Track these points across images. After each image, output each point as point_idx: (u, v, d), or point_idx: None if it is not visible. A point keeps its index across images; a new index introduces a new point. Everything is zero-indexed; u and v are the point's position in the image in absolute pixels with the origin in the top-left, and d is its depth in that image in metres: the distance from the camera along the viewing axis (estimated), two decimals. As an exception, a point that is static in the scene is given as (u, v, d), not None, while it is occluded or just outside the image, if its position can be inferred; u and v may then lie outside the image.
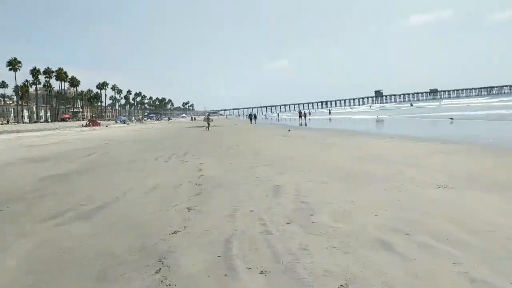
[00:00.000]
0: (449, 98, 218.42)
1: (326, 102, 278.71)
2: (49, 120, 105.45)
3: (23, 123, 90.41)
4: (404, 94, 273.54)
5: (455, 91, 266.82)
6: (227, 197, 6.57)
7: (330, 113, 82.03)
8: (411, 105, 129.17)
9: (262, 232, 4.56)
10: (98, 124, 73.00)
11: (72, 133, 40.83)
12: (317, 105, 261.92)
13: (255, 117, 61.42)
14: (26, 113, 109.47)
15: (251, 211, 5.57)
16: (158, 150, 16.44)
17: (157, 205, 6.21)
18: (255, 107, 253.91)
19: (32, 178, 9.69)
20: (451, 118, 31.32)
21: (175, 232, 4.72)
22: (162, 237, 4.57)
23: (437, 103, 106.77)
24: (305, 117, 57.29)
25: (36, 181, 9.16)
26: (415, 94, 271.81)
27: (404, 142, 15.69)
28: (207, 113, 63.80)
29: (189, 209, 5.84)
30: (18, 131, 47.42)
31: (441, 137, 17.69)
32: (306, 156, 12.04)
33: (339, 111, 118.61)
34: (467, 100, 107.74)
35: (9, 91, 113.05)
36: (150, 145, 20.57)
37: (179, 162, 12.06)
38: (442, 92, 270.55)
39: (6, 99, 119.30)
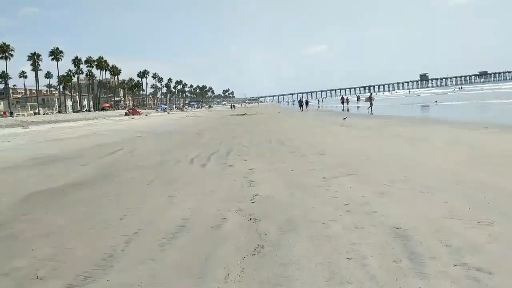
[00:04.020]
0: (499, 81, 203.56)
1: (368, 86, 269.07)
2: (92, 109, 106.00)
3: (65, 112, 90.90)
4: (451, 78, 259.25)
5: (507, 73, 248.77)
6: (316, 267, 3.31)
7: (358, 99, 74.50)
8: (460, 88, 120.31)
9: None
10: (138, 113, 71.65)
11: (108, 123, 38.93)
12: (359, 90, 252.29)
13: (307, 103, 52.92)
14: (69, 103, 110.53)
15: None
16: (195, 146, 13.43)
17: (178, 289, 3.06)
18: (295, 93, 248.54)
19: (13, 196, 6.80)
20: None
21: None
22: None
23: (490, 87, 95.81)
24: (347, 102, 53.19)
25: (12, 204, 6.26)
26: (463, 77, 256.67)
27: (508, 133, 11.89)
28: (370, 93, 57.63)
29: (246, 315, 2.64)
30: (56, 121, 46.11)
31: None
32: (397, 158, 8.52)
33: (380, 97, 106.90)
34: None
35: (54, 80, 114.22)
36: (187, 138, 17.67)
37: (221, 166, 8.92)
38: (493, 75, 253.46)
39: (52, 89, 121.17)
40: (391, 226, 4.17)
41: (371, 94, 45.40)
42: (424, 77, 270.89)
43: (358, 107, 48.18)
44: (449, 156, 8.49)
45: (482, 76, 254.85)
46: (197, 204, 5.56)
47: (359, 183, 6.29)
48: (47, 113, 79.18)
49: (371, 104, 35.45)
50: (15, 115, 68.65)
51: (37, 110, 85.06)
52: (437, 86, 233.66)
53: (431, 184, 5.89)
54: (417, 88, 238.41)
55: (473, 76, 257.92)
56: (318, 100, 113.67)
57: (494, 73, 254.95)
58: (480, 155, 8.29)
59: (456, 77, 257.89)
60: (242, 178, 7.35)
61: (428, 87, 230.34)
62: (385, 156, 8.87)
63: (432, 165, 7.45)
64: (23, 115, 70.75)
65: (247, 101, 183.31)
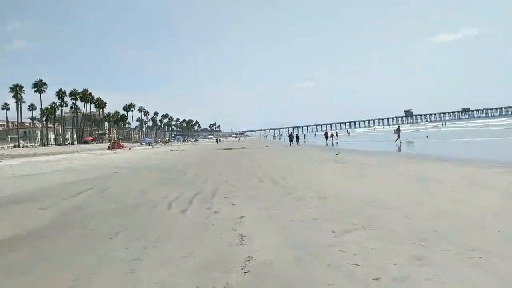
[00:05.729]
0: (482, 117, 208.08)
1: (354, 122, 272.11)
2: (75, 142, 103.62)
3: (48, 145, 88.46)
4: (435, 114, 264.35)
5: (489, 110, 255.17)
6: None
7: (337, 135, 72.58)
8: (444, 124, 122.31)
9: None
10: (121, 147, 69.79)
11: (88, 157, 37.03)
12: (345, 125, 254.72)
13: (297, 138, 48.61)
14: (52, 136, 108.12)
15: None
16: (176, 185, 11.91)
17: None
18: (281, 128, 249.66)
19: None
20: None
21: None
22: None
23: (471, 123, 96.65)
24: (332, 137, 52.81)
25: None
26: (447, 114, 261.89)
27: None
28: (398, 125, 55.35)
29: None
30: (34, 155, 44.08)
31: None
32: (414, 204, 7.12)
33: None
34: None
35: (37, 113, 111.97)
36: (168, 175, 16.08)
37: (204, 213, 7.41)
38: (475, 111, 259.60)
39: (35, 121, 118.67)
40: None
41: (399, 126, 43.77)
42: (408, 113, 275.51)
43: (337, 142, 47.41)
44: (476, 201, 7.18)
45: (465, 112, 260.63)
46: (168, 276, 4.04)
47: (382, 241, 4.87)
48: (26, 146, 76.82)
49: (399, 137, 33.33)
50: (-7, 147, 66.28)
51: (17, 143, 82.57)
52: (421, 122, 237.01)
53: (477, 244, 4.52)
54: (402, 124, 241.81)
55: (456, 113, 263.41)
56: (305, 135, 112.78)
57: (477, 110, 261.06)
58: (512, 201, 6.99)
59: (440, 114, 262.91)
60: (230, 230, 5.87)
61: (413, 123, 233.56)
62: (398, 201, 7.49)
63: (463, 215, 6.08)
64: (3, 148, 68.42)
65: (234, 135, 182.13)
